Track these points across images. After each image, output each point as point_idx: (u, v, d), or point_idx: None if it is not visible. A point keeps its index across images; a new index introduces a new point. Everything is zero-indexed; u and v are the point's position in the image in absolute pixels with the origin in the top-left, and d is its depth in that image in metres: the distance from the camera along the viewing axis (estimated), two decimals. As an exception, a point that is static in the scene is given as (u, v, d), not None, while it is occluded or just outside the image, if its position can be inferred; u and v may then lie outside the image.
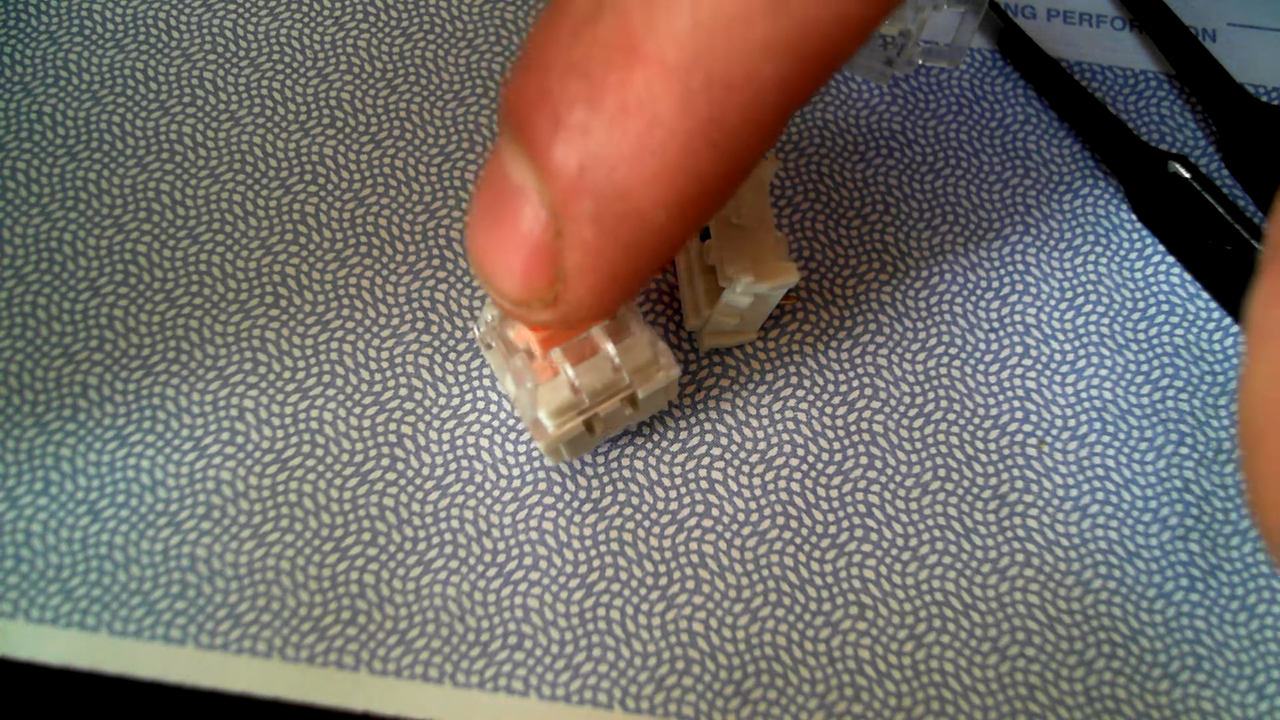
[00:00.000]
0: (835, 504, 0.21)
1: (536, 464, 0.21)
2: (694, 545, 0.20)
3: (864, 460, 0.21)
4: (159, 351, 0.21)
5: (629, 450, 0.21)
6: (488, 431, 0.21)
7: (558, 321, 0.16)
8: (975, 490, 0.21)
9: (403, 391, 0.21)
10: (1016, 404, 0.22)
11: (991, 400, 0.22)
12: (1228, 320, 0.22)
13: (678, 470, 0.21)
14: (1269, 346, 0.12)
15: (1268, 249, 0.13)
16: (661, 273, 0.22)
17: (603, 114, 0.13)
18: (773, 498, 0.21)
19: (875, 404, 0.22)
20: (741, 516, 0.20)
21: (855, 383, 0.22)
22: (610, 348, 0.18)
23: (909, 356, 0.22)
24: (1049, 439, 0.21)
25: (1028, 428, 0.21)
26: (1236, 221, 0.22)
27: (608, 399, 0.19)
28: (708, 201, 0.14)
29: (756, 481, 0.21)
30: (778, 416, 0.21)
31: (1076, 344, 0.22)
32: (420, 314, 0.22)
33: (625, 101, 0.13)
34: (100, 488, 0.20)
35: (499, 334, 0.19)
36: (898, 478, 0.21)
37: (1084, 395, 0.22)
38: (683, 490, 0.21)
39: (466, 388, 0.21)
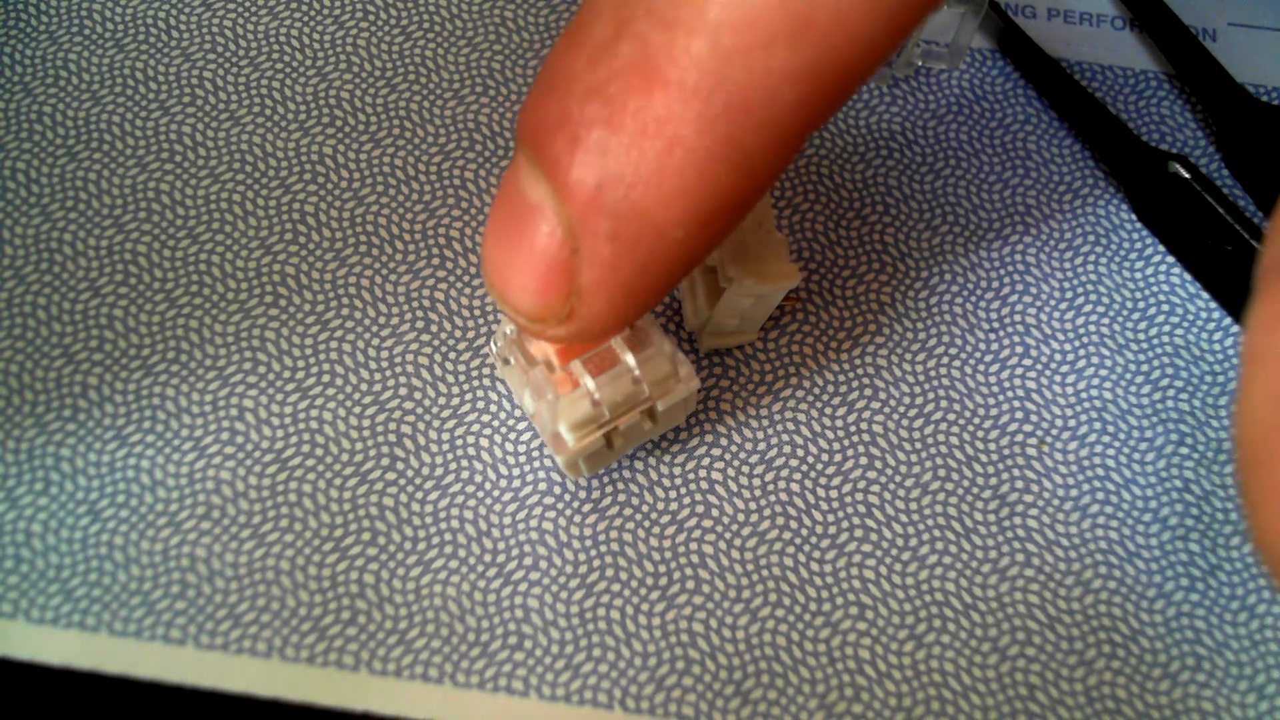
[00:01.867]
0: (835, 504, 0.21)
1: (536, 464, 0.21)
2: (694, 545, 0.20)
3: (864, 461, 0.21)
4: (159, 351, 0.21)
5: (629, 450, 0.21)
6: (487, 431, 0.21)
7: (573, 336, 0.16)
8: (975, 490, 0.21)
9: (402, 391, 0.21)
10: (1016, 404, 0.22)
11: (991, 400, 0.22)
12: (1228, 320, 0.23)
13: (677, 471, 0.21)
14: (1265, 370, 0.13)
15: (1262, 271, 0.14)
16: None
17: (622, 135, 0.14)
18: (772, 498, 0.21)
19: (875, 404, 0.22)
20: (741, 517, 0.20)
21: (855, 383, 0.22)
22: (630, 359, 0.18)
23: (909, 357, 0.22)
24: (1049, 439, 0.21)
25: (1028, 428, 0.21)
26: (1236, 222, 0.22)
27: (627, 412, 0.19)
28: (725, 220, 0.15)
29: (756, 482, 0.21)
30: (777, 417, 0.21)
31: (1076, 344, 0.22)
32: (420, 313, 0.22)
33: (644, 123, 0.14)
34: (100, 488, 0.20)
35: (518, 347, 0.19)
36: (897, 478, 0.21)
37: (1084, 395, 0.22)
38: (682, 490, 0.21)
39: (466, 387, 0.21)
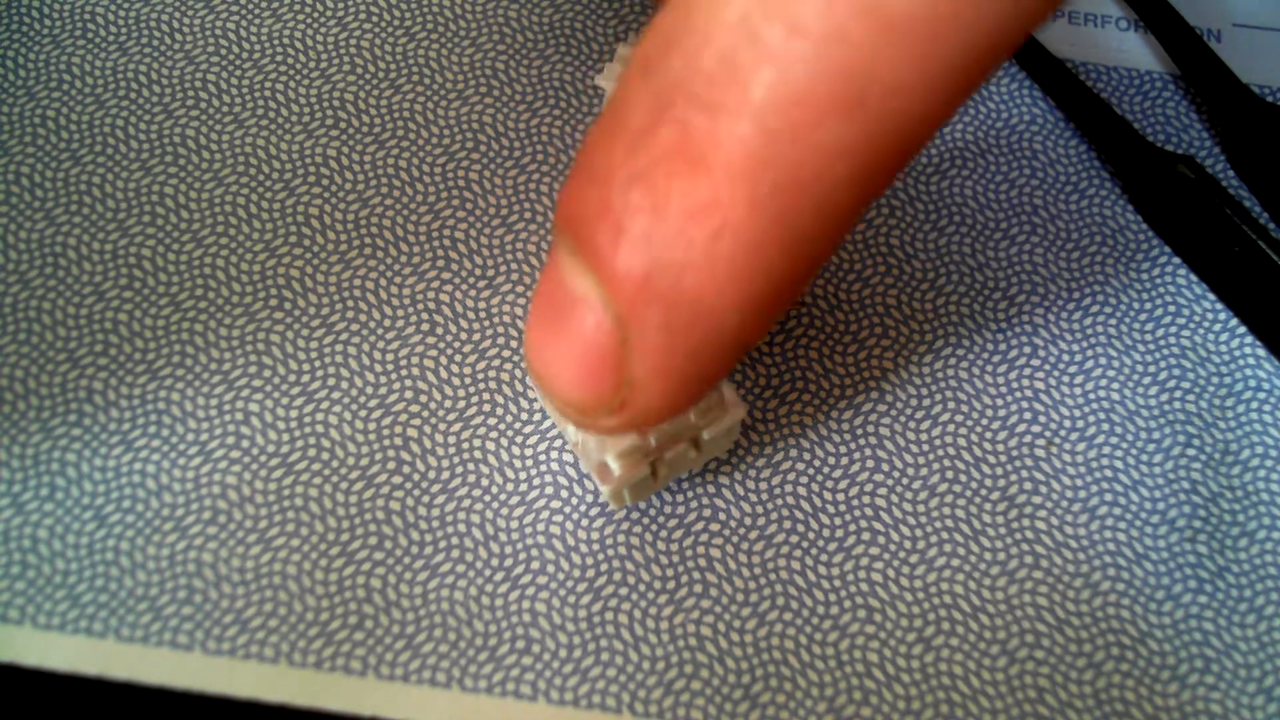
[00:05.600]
0: (842, 507, 0.21)
1: (543, 467, 0.21)
2: (701, 550, 0.20)
3: (870, 463, 0.21)
4: (164, 356, 0.21)
5: (636, 453, 0.21)
6: (494, 435, 0.21)
7: (624, 427, 0.15)
8: (983, 492, 0.21)
9: (408, 394, 0.21)
10: (1025, 404, 0.22)
11: (1000, 401, 0.22)
12: (1234, 322, 0.22)
13: (683, 475, 0.21)
14: None
15: None
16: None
17: (668, 222, 0.13)
18: (779, 502, 0.21)
19: (882, 407, 0.22)
20: (748, 521, 0.20)
21: (861, 386, 0.22)
22: None
23: (915, 359, 0.22)
24: (1057, 440, 0.21)
25: (1036, 428, 0.21)
26: (1244, 223, 0.22)
27: (674, 441, 0.18)
28: (781, 300, 0.14)
29: (763, 486, 0.21)
30: (783, 420, 0.21)
31: (1084, 344, 0.22)
32: (425, 315, 0.22)
33: (690, 208, 0.13)
34: (106, 493, 0.20)
35: None
36: (905, 480, 0.21)
37: (1092, 396, 0.22)
38: (689, 494, 0.21)
39: (473, 390, 0.21)
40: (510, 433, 0.21)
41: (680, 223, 0.13)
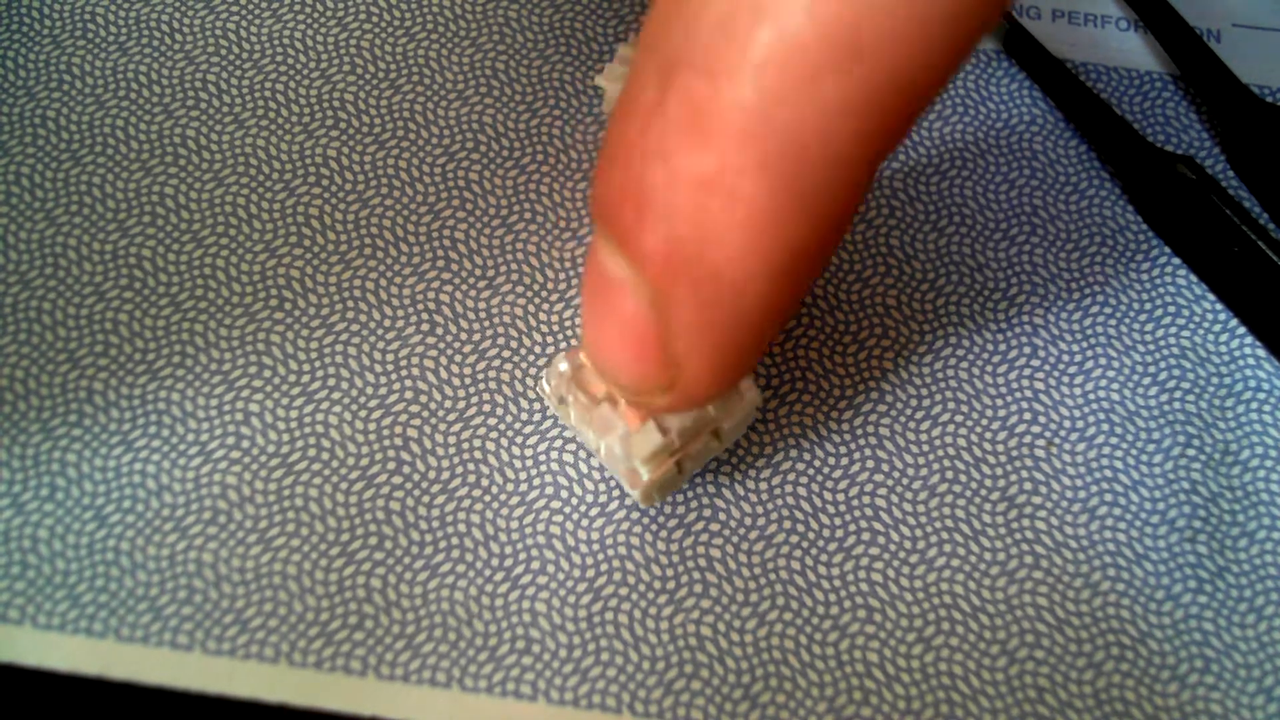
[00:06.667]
0: (842, 508, 0.21)
1: (543, 467, 0.21)
2: (701, 550, 0.20)
3: (870, 464, 0.21)
4: (164, 356, 0.21)
5: (636, 453, 0.21)
6: (494, 435, 0.21)
7: (682, 404, 0.16)
8: (983, 493, 0.21)
9: (408, 395, 0.21)
10: (1025, 405, 0.22)
11: (1000, 401, 0.22)
12: (1234, 322, 0.22)
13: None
14: None
15: None
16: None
17: (682, 195, 0.13)
18: (779, 502, 0.21)
19: (881, 407, 0.22)
20: (748, 521, 0.20)
21: (861, 386, 0.22)
22: None
23: (915, 359, 0.22)
24: (1057, 440, 0.21)
25: (1035, 429, 0.21)
26: (1243, 223, 0.22)
27: (696, 436, 0.18)
28: (805, 266, 0.14)
29: (763, 486, 0.21)
30: (783, 421, 0.21)
31: (1084, 345, 0.22)
32: (425, 316, 0.22)
33: (700, 178, 0.13)
34: (106, 493, 0.20)
35: (577, 385, 0.19)
36: (905, 480, 0.21)
37: (1092, 396, 0.22)
38: (689, 494, 0.21)
39: (472, 390, 0.21)
40: (510, 433, 0.21)
41: (692, 194, 0.13)
